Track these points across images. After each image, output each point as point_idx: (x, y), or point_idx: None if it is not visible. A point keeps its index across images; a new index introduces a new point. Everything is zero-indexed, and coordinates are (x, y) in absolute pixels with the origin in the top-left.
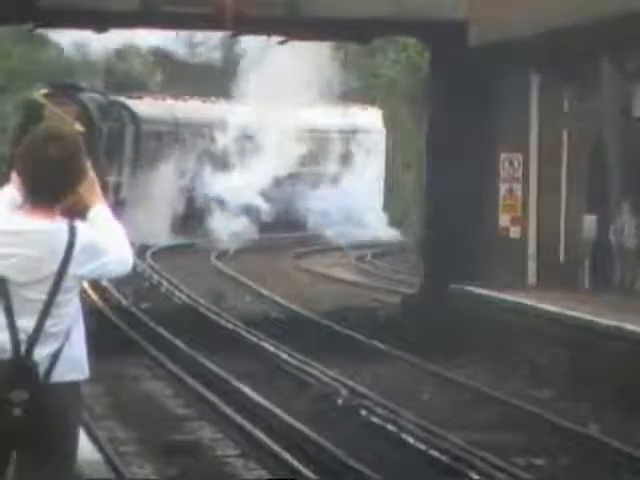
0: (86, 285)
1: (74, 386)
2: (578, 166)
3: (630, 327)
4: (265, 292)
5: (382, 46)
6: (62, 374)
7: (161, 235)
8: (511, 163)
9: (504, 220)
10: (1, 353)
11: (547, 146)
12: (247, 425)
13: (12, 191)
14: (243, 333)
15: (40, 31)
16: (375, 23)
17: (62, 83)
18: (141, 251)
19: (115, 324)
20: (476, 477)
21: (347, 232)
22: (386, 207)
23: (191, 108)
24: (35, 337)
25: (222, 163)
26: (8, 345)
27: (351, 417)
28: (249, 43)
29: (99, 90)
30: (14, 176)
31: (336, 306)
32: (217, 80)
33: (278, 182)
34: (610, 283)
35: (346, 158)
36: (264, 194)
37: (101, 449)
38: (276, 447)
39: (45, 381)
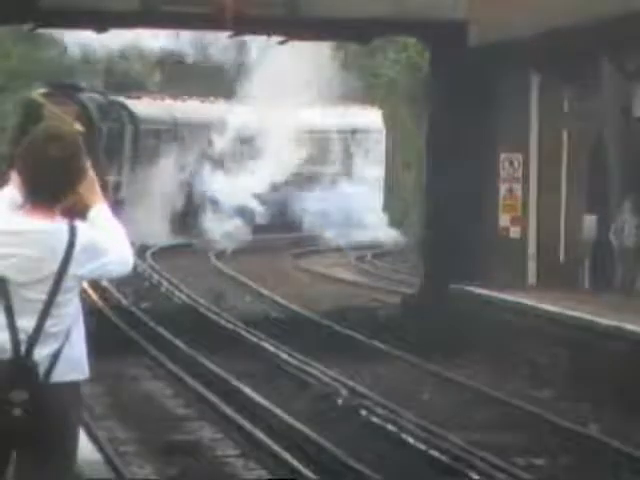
0: (86, 285)
1: (74, 386)
2: (578, 166)
3: (630, 327)
4: (265, 292)
5: (382, 46)
6: (62, 374)
7: (160, 235)
8: (511, 163)
9: (504, 220)
10: (1, 353)
11: (547, 146)
12: (247, 425)
13: (12, 191)
14: (243, 333)
15: (41, 31)
16: (375, 23)
17: (61, 83)
18: (141, 251)
19: (115, 324)
20: (476, 477)
21: (345, 233)
22: (386, 207)
23: (190, 108)
24: (35, 337)
25: (220, 163)
26: (8, 345)
27: (351, 417)
28: (252, 43)
29: (98, 90)
30: (14, 176)
31: (336, 306)
32: (218, 80)
33: (274, 184)
34: (610, 283)
35: (346, 158)
36: (259, 196)
37: (101, 449)
38: (276, 447)
39: (45, 381)
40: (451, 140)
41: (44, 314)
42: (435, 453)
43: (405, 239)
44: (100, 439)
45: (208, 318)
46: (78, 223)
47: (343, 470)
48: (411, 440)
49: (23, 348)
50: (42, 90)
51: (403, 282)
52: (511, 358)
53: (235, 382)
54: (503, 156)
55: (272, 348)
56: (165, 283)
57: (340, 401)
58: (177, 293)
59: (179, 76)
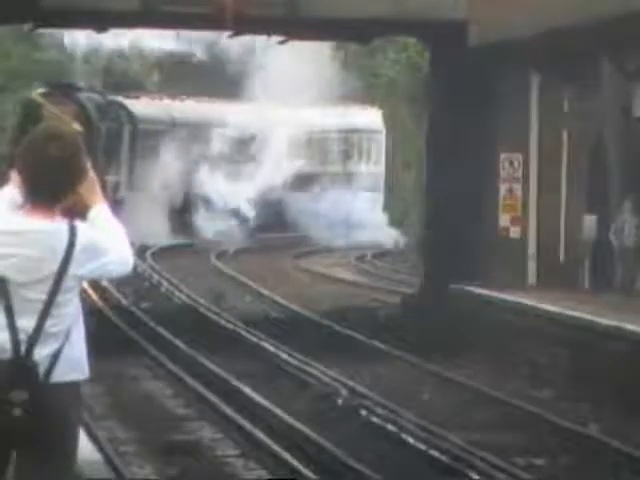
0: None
1: (74, 386)
2: (578, 166)
3: (630, 327)
4: (265, 292)
5: (382, 46)
6: (62, 374)
7: (159, 235)
8: (511, 163)
9: (504, 220)
10: (1, 353)
11: (547, 146)
12: (247, 425)
13: (12, 191)
14: (243, 333)
15: (41, 31)
16: (375, 23)
17: (60, 82)
18: (141, 251)
19: (115, 324)
20: (476, 477)
21: (343, 235)
22: (386, 207)
23: (188, 108)
24: (35, 337)
25: (218, 163)
26: (8, 345)
27: (351, 417)
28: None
29: (97, 90)
30: (14, 175)
31: (336, 306)
32: (218, 80)
33: (270, 185)
34: (610, 283)
35: (344, 158)
36: (252, 200)
37: (101, 449)
38: (276, 447)
39: (45, 381)
40: (451, 140)
41: (44, 314)
42: (435, 453)
43: (405, 239)
44: (100, 439)
45: (208, 318)
46: (78, 223)
47: (343, 470)
48: (411, 440)
49: (23, 348)
50: (41, 90)
51: (403, 282)
52: (511, 358)
53: (235, 382)
54: (503, 156)
55: (272, 348)
56: (165, 283)
57: (340, 401)
58: (177, 293)
59: (178, 76)
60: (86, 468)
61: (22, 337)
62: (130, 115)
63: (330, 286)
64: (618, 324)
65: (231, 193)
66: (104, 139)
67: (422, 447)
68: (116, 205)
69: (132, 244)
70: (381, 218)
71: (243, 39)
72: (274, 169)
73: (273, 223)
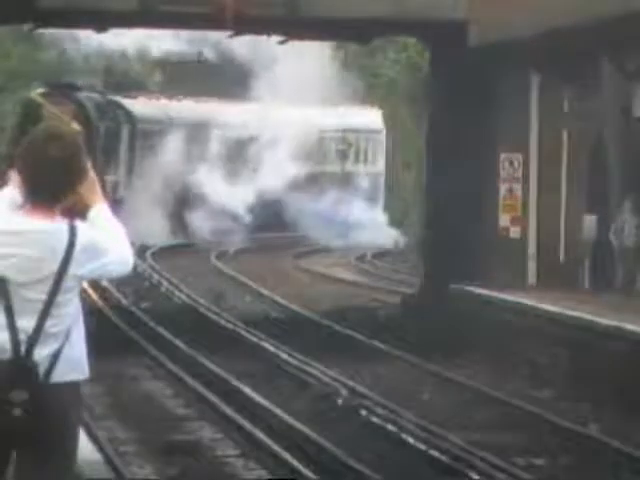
0: (86, 285)
1: (74, 386)
2: (578, 166)
3: (630, 327)
4: (265, 292)
5: (382, 46)
6: (62, 374)
7: (159, 235)
8: (511, 163)
9: (504, 220)
10: (1, 353)
11: (547, 146)
12: (247, 425)
13: (12, 191)
14: (243, 333)
15: (41, 31)
16: (375, 23)
17: (59, 82)
18: (141, 251)
19: (115, 324)
20: (476, 477)
21: (342, 235)
22: (386, 207)
23: (186, 107)
24: (35, 337)
25: (216, 163)
26: (8, 345)
27: (351, 417)
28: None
29: (96, 89)
30: (14, 175)
31: (336, 306)
32: (219, 80)
33: (267, 186)
34: (610, 283)
35: (342, 158)
36: (247, 202)
37: (101, 449)
38: (276, 447)
39: (45, 381)
40: (451, 140)
41: (44, 314)
42: (435, 453)
43: (405, 239)
44: (100, 439)
45: (208, 318)
46: (78, 223)
47: (343, 470)
48: (411, 440)
49: (23, 348)
50: (40, 90)
51: (403, 282)
52: (511, 358)
53: (235, 382)
54: (503, 156)
55: (272, 348)
56: (165, 283)
57: (340, 401)
58: (177, 293)
59: (179, 76)
60: (86, 468)
61: (22, 337)
62: (129, 115)
63: (330, 286)
64: (618, 324)
65: (229, 193)
66: (103, 139)
67: (422, 447)
68: (115, 205)
69: (132, 244)
70: (381, 219)
71: (245, 39)
72: (273, 169)
73: (271, 223)
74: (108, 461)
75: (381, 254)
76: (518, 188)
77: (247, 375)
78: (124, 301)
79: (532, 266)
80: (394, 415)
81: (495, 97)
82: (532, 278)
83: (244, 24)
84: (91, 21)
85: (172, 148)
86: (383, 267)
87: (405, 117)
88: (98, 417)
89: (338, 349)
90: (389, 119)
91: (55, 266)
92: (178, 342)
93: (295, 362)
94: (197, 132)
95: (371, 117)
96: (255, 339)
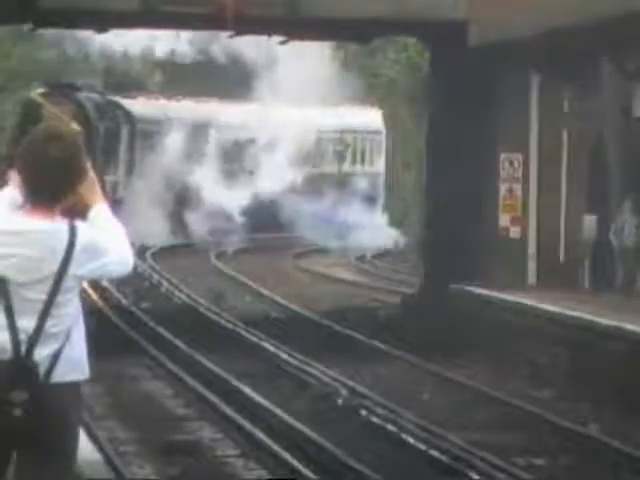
0: (86, 285)
1: (74, 386)
2: (578, 166)
3: (630, 327)
4: (265, 292)
5: (382, 46)
6: (62, 374)
7: (159, 235)
8: (511, 163)
9: (504, 220)
10: (1, 353)
11: (547, 146)
12: (247, 425)
13: (12, 191)
14: (243, 333)
15: (41, 31)
16: (375, 23)
17: (59, 82)
18: (141, 251)
19: (115, 324)
20: (476, 477)
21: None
22: (386, 207)
23: (185, 107)
24: (35, 337)
25: (214, 163)
26: (8, 345)
27: (351, 417)
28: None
29: (96, 89)
30: (14, 176)
31: (336, 306)
32: (219, 80)
33: (264, 186)
34: (610, 283)
35: (339, 159)
36: (242, 204)
37: (101, 449)
38: (276, 447)
39: (45, 381)
40: (451, 140)
41: (44, 314)
42: (435, 453)
43: (405, 239)
44: (100, 439)
45: (208, 318)
46: (78, 223)
47: (343, 470)
48: (411, 440)
49: (23, 348)
50: (40, 90)
51: (403, 282)
52: (511, 358)
53: (235, 382)
54: (503, 156)
55: (272, 348)
56: (165, 283)
57: (340, 401)
58: (177, 293)
59: (180, 76)
60: (86, 468)
61: (22, 337)
62: (128, 115)
63: (330, 286)
64: (618, 324)
65: (229, 193)
66: (102, 139)
67: (422, 447)
68: (115, 205)
69: (132, 244)
70: (380, 220)
71: (245, 39)
72: (272, 169)
73: (268, 224)
74: (108, 461)
75: (381, 254)
76: (518, 188)
77: (247, 375)
78: (124, 301)
79: (532, 266)
80: (394, 415)
81: (495, 97)
82: (532, 278)
83: (244, 24)
84: (92, 21)
85: (172, 148)
86: (383, 267)
87: (405, 117)
88: (98, 417)
89: (338, 349)
90: (389, 119)
91: (55, 266)
92: (178, 342)
93: (295, 362)
94: (197, 132)
95: (371, 117)
96: (255, 339)
